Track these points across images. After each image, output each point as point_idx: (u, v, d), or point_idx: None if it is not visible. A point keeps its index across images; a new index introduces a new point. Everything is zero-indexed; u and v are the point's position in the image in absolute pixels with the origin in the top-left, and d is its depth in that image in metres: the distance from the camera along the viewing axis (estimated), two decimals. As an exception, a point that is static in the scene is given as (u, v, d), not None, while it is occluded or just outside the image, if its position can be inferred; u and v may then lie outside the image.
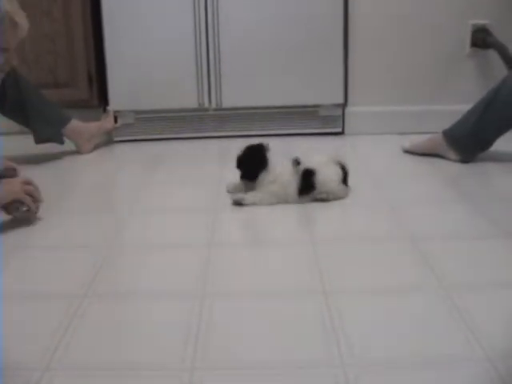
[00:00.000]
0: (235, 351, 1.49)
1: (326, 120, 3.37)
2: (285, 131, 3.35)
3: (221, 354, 1.48)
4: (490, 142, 2.85)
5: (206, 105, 3.31)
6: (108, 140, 3.32)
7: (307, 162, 2.45)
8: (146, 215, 2.38)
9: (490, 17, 3.31)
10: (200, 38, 3.21)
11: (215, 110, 3.33)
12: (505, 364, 1.42)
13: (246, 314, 1.66)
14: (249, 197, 2.43)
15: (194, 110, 3.32)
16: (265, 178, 2.42)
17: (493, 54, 3.25)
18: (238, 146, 2.46)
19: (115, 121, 3.28)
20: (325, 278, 1.84)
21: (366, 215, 2.35)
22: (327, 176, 2.45)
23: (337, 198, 2.46)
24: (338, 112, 3.38)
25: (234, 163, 2.44)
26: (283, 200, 2.43)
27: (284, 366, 1.43)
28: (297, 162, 2.44)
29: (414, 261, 1.96)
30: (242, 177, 2.47)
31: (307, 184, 2.43)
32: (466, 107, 2.92)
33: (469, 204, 2.43)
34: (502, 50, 3.17)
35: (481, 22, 3.31)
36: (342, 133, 3.41)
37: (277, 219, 2.33)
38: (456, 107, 3.05)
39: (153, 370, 1.43)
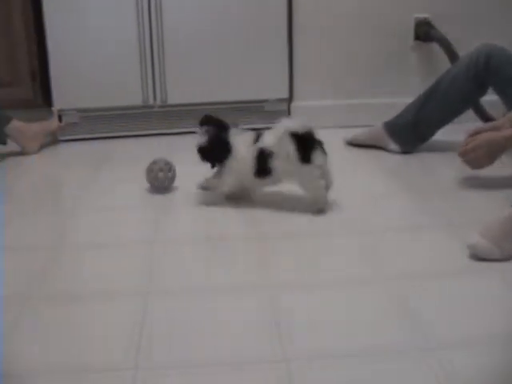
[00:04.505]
0: (181, 350, 1.50)
1: (271, 115, 3.36)
2: (231, 127, 3.36)
3: (165, 353, 1.48)
4: (429, 133, 2.90)
5: (151, 102, 3.29)
6: (53, 140, 3.29)
7: (266, 139, 2.27)
8: (91, 214, 2.36)
9: (433, 10, 3.34)
10: (144, 34, 3.19)
11: (160, 106, 3.31)
12: (445, 351, 1.45)
13: (192, 312, 1.67)
14: (211, 180, 2.40)
15: (139, 107, 3.30)
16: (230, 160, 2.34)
17: (436, 47, 3.28)
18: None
19: (60, 120, 3.25)
20: (266, 273, 1.87)
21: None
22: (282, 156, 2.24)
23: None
24: (284, 107, 3.38)
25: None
26: (241, 182, 2.35)
27: (229, 362, 1.44)
28: (256, 138, 2.30)
29: (358, 253, 1.98)
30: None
31: (263, 166, 2.28)
32: (410, 100, 2.95)
33: (410, 195, 2.47)
34: (444, 44, 3.20)
35: (423, 15, 3.34)
36: (288, 127, 3.41)
37: (220, 216, 2.32)
38: (400, 100, 3.07)
39: (98, 372, 1.42)
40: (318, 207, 2.28)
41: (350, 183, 2.59)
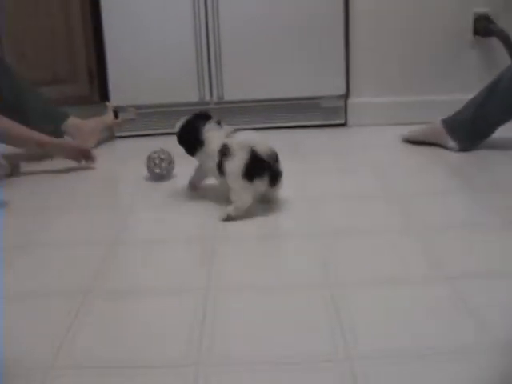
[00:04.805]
0: (243, 347, 1.49)
1: (328, 112, 3.36)
2: (287, 124, 3.34)
3: (226, 350, 1.47)
4: (490, 131, 2.84)
5: (208, 98, 3.30)
6: (110, 136, 3.32)
7: (235, 139, 2.24)
8: (149, 210, 2.38)
9: (492, 4, 3.28)
10: (200, 31, 3.21)
11: (216, 103, 3.31)
12: (508, 351, 1.43)
13: (251, 309, 1.65)
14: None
15: (196, 103, 3.29)
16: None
17: (496, 43, 3.22)
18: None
19: (116, 116, 3.27)
20: (328, 271, 1.84)
21: (368, 207, 2.33)
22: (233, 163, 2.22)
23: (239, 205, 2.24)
24: (340, 103, 3.36)
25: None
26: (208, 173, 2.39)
27: (287, 360, 1.43)
28: (228, 134, 2.29)
29: (418, 251, 1.95)
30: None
31: (221, 163, 2.26)
32: (469, 96, 2.90)
33: (470, 193, 2.43)
34: (504, 38, 3.14)
35: (483, 9, 3.28)
36: (344, 124, 3.39)
37: (281, 210, 2.31)
38: (459, 97, 3.03)
39: (159, 368, 1.42)
40: (229, 215, 2.23)
41: (408, 180, 2.56)
